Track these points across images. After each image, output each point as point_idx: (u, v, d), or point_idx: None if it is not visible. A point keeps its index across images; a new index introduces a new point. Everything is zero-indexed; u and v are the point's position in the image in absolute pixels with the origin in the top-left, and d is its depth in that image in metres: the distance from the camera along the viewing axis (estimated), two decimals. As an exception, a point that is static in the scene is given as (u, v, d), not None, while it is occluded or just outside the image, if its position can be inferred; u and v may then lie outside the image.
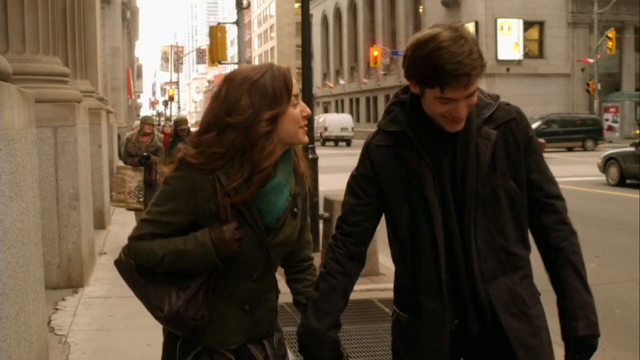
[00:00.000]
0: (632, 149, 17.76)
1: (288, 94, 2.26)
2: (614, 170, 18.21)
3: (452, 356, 2.41)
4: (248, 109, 2.21)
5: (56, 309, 6.18)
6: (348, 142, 47.50)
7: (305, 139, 2.34)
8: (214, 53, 23.79)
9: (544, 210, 2.44)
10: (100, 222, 10.60)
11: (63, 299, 6.52)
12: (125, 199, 9.75)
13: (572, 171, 21.69)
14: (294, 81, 2.31)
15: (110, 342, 5.39)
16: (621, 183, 17.94)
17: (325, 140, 47.37)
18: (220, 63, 25.07)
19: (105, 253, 9.03)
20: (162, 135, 11.43)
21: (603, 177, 18.78)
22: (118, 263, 2.33)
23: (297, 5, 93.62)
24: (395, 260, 2.53)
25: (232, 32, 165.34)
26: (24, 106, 3.85)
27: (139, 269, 2.30)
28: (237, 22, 23.43)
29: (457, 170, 2.33)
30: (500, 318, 2.33)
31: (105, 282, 7.29)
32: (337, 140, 48.53)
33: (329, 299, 2.42)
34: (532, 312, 2.40)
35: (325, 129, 47.53)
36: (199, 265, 2.25)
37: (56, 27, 7.69)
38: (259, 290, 2.37)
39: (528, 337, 2.35)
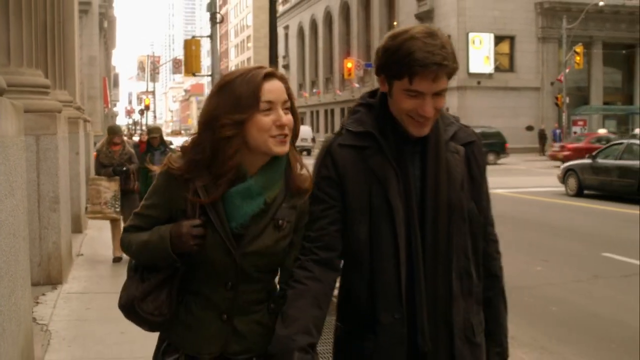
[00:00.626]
0: (590, 160, 18.55)
1: (255, 101, 2.17)
2: (572, 181, 18.99)
3: None
4: (213, 111, 2.20)
5: (37, 303, 6.70)
6: (308, 152, 48.66)
7: (278, 149, 2.22)
8: (189, 65, 24.41)
9: (486, 238, 2.46)
10: (77, 226, 11.08)
11: (43, 294, 7.03)
12: (102, 210, 9.68)
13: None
14: (274, 87, 2.21)
15: (88, 330, 5.93)
16: (579, 193, 18.70)
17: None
18: (194, 75, 25.59)
19: (82, 255, 9.54)
20: (131, 141, 11.66)
21: (563, 188, 19.55)
22: (122, 246, 2.42)
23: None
24: (345, 272, 2.40)
25: (208, 44, 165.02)
26: (16, 117, 4.40)
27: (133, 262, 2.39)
28: (211, 36, 24.00)
29: (428, 182, 2.27)
30: (454, 341, 2.29)
31: (82, 279, 7.81)
32: (299, 151, 49.70)
33: (296, 305, 2.24)
34: (476, 340, 2.38)
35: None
36: (158, 259, 2.25)
37: (38, 40, 8.21)
38: (238, 301, 2.27)
39: None
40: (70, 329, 5.97)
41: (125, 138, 10.83)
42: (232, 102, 2.18)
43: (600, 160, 18.09)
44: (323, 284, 2.28)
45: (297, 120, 2.31)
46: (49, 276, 7.44)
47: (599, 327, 6.83)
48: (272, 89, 2.20)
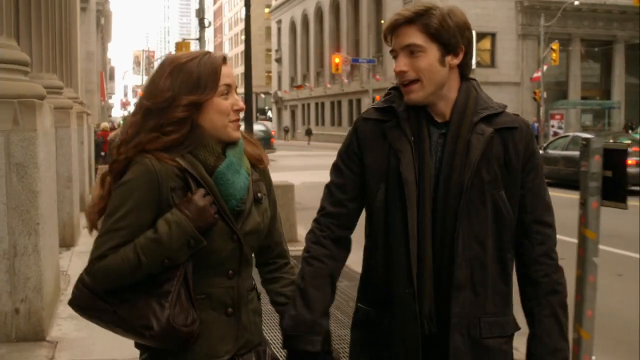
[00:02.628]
0: (541, 152, 20.49)
1: (214, 82, 2.12)
2: (527, 171, 20.93)
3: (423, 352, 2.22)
4: (167, 92, 2.10)
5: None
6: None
7: (236, 134, 2.18)
8: None
9: (529, 237, 2.28)
10: (83, 205, 13.00)
11: (60, 253, 8.94)
12: None
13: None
14: (229, 72, 2.18)
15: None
16: (533, 182, 20.60)
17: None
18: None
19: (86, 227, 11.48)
20: None
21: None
22: (72, 303, 2.17)
23: (267, 10, 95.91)
24: (368, 250, 2.38)
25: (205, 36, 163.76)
26: (50, 114, 6.31)
27: (100, 295, 2.11)
28: (199, 39, 25.95)
29: (444, 163, 2.22)
30: (451, 333, 2.18)
31: (89, 244, 9.72)
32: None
33: (317, 284, 2.26)
34: (486, 342, 2.22)
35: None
36: (179, 250, 2.05)
37: (55, 48, 10.10)
38: (239, 289, 2.20)
39: None
40: (84, 274, 7.91)
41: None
42: (190, 82, 2.10)
43: (550, 151, 20.16)
44: (337, 263, 2.31)
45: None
46: (64, 239, 9.31)
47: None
48: (228, 73, 2.17)
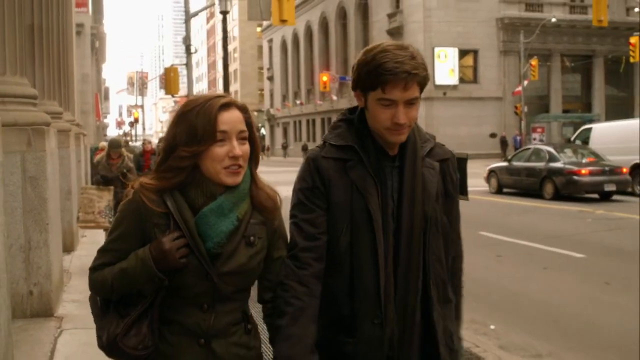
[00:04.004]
0: (506, 163, 22.04)
1: (211, 134, 2.17)
2: (493, 181, 22.55)
3: None
4: (172, 140, 2.21)
5: (59, 259, 10.03)
6: None
7: (230, 180, 2.22)
8: (168, 88, 28.26)
9: (453, 253, 2.54)
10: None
11: (63, 256, 10.35)
12: (95, 219, 9.85)
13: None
14: (229, 117, 2.21)
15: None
16: (499, 191, 22.26)
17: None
18: (173, 96, 29.22)
19: (85, 236, 12.87)
20: (131, 156, 12.11)
21: (487, 187, 23.09)
22: (89, 299, 2.36)
23: (259, 29, 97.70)
24: (326, 280, 2.38)
25: (196, 55, 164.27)
26: (55, 137, 7.75)
27: (99, 300, 2.31)
28: (186, 64, 27.64)
29: (405, 195, 2.34)
30: (439, 349, 2.35)
31: (86, 249, 11.15)
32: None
33: (299, 323, 2.25)
34: (455, 347, 2.44)
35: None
36: (143, 283, 2.18)
37: (60, 82, 11.55)
38: (215, 323, 2.24)
39: None
40: (83, 272, 9.27)
41: (124, 152, 11.14)
42: (188, 133, 2.18)
43: (514, 163, 21.64)
44: (317, 299, 2.32)
45: (257, 148, 2.33)
46: (65, 245, 10.62)
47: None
48: (226, 120, 2.19)
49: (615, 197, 19.72)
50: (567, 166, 19.29)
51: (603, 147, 21.10)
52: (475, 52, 52.36)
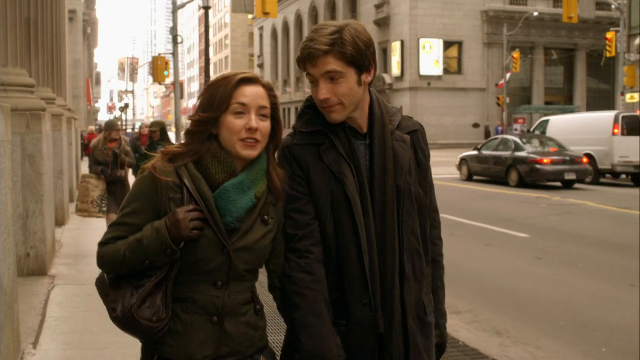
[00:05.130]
0: (476, 152, 23.21)
1: (227, 102, 2.23)
2: (464, 169, 23.74)
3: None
4: (196, 110, 2.30)
5: (51, 231, 11.12)
6: None
7: (245, 152, 2.24)
8: (156, 76, 29.42)
9: (430, 223, 2.56)
10: (71, 196, 15.48)
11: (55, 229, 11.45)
12: (88, 208, 9.91)
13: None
14: (251, 91, 2.25)
15: (86, 242, 10.36)
16: (469, 178, 23.44)
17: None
18: (160, 83, 30.25)
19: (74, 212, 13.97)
20: (127, 139, 12.14)
21: (458, 175, 24.28)
22: (96, 282, 2.35)
23: (250, 16, 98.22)
24: None
25: (188, 40, 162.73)
26: (50, 121, 8.82)
27: (108, 279, 2.30)
28: (173, 54, 28.69)
29: (375, 170, 2.36)
30: (407, 320, 2.39)
31: (76, 223, 12.25)
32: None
33: (313, 312, 2.29)
34: (427, 319, 2.48)
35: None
36: (155, 254, 2.19)
37: (49, 66, 12.57)
38: (228, 300, 2.26)
39: (422, 342, 2.44)
40: (73, 242, 10.43)
41: (122, 136, 10.99)
42: (208, 101, 2.26)
43: (483, 152, 22.80)
44: (324, 282, 2.35)
45: (280, 130, 2.36)
46: (57, 219, 11.71)
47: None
48: (247, 93, 2.25)
49: (577, 185, 20.93)
50: (531, 155, 20.48)
51: (558, 138, 22.37)
52: (459, 44, 53.41)
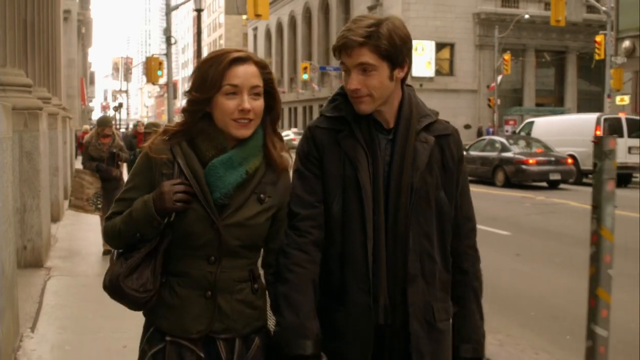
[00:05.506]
0: (464, 153, 23.47)
1: (219, 83, 2.23)
2: (453, 169, 23.95)
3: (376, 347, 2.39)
4: (190, 88, 2.31)
5: (47, 227, 11.45)
6: None
7: (238, 133, 2.26)
8: (149, 76, 29.83)
9: (459, 231, 2.52)
10: (66, 193, 15.79)
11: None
12: (83, 205, 9.94)
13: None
14: (243, 72, 2.25)
15: (79, 237, 10.70)
16: (458, 178, 23.66)
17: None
18: (153, 84, 30.58)
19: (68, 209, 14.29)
20: (120, 134, 12.34)
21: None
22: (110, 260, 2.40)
23: (244, 17, 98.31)
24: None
25: (183, 40, 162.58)
26: (46, 120, 9.16)
27: (114, 254, 2.37)
28: (166, 54, 29.06)
29: (394, 166, 2.38)
30: (410, 321, 2.37)
31: (70, 219, 12.58)
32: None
33: (300, 289, 2.32)
34: (438, 325, 2.42)
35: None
36: (143, 225, 2.24)
37: (44, 67, 12.90)
38: (221, 276, 2.28)
39: (428, 346, 2.39)
40: (68, 238, 10.77)
41: (115, 132, 10.95)
42: (200, 80, 2.27)
43: (471, 152, 23.12)
44: (317, 266, 2.38)
45: (277, 104, 2.38)
46: (52, 216, 12.04)
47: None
48: (239, 74, 2.25)
49: (562, 185, 21.36)
50: (517, 156, 20.94)
51: (543, 139, 22.80)
52: (451, 46, 53.68)
